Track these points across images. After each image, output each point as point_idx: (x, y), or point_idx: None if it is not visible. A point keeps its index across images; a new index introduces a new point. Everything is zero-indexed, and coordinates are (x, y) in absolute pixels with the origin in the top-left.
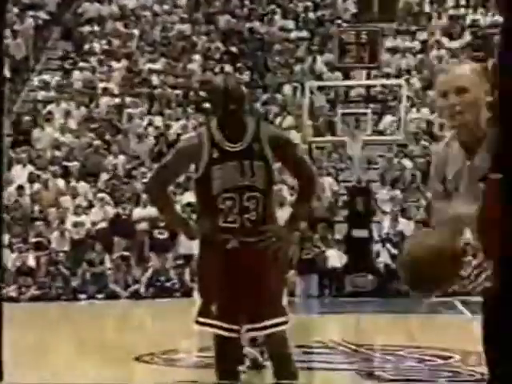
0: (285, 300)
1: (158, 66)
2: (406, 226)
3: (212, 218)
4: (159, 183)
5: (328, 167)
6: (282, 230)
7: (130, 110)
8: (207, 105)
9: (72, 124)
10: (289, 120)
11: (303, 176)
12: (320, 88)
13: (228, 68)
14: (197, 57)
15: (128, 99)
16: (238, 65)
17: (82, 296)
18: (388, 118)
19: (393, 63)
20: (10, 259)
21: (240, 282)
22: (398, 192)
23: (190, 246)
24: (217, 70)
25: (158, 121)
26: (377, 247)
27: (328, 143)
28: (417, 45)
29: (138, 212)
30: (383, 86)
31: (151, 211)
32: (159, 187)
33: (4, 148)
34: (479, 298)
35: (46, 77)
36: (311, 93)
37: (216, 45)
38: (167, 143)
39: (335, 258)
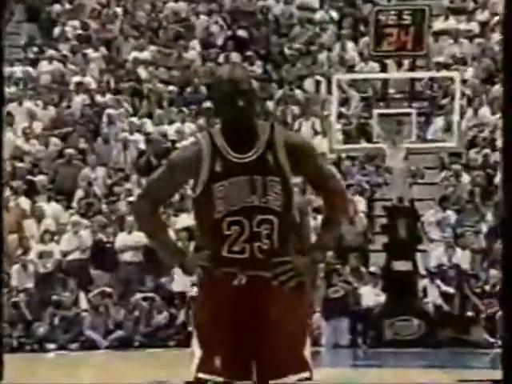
0: (307, 350)
1: (145, 54)
2: (461, 256)
3: (214, 247)
4: (149, 202)
5: (361, 182)
6: (302, 262)
7: (110, 111)
8: (208, 104)
9: (38, 128)
10: (311, 123)
11: (330, 194)
12: (351, 83)
13: (235, 57)
14: (195, 43)
15: (108, 97)
16: (248, 53)
17: (51, 346)
18: (438, 121)
19: (444, 50)
20: None
21: (250, 328)
22: (450, 213)
23: (186, 283)
24: (220, 59)
25: (147, 124)
26: (423, 283)
27: (361, 152)
28: (474, 27)
29: (122, 238)
30: (431, 79)
31: (138, 237)
32: (149, 207)
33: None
34: None
35: (5, 69)
36: (340, 89)
37: (219, 28)
38: (158, 153)
39: (370, 297)
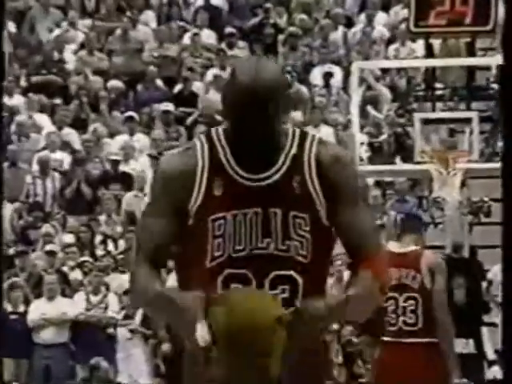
0: None
1: (72, 33)
2: None
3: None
4: (149, 263)
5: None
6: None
7: (21, 119)
8: (170, 106)
9: None
10: (321, 133)
11: (364, 257)
12: (381, 74)
13: (207, 36)
14: (149, 15)
15: (17, 98)
16: (227, 30)
17: None
18: None
19: None
20: None
21: None
22: None
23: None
24: (186, 40)
25: (75, 138)
26: (493, 372)
27: (397, 176)
28: None
29: (38, 308)
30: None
31: (65, 305)
32: (155, 274)
33: None
34: None
35: None
36: (364, 82)
37: None
38: (93, 180)
39: None
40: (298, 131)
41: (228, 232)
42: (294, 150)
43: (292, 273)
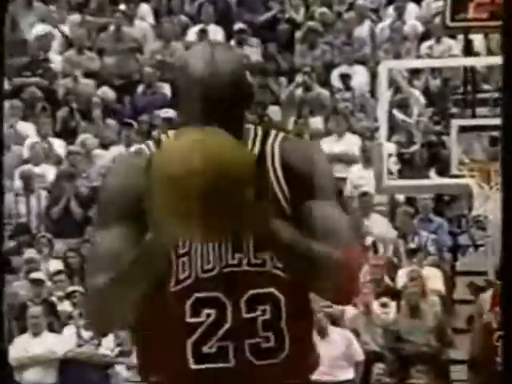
0: None
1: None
2: None
3: (168, 349)
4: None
5: (431, 243)
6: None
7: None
8: (170, 113)
9: None
10: (344, 142)
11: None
12: (412, 74)
13: (214, 32)
14: (145, 9)
15: None
16: (236, 26)
17: None
18: None
19: None
20: None
21: None
22: None
23: None
24: (190, 37)
25: (63, 149)
26: None
27: (431, 192)
28: None
29: (22, 345)
30: None
31: (53, 342)
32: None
33: None
34: None
35: None
36: (393, 84)
37: None
38: (83, 197)
39: None
40: (259, 129)
41: (194, 250)
42: (256, 150)
43: (272, 290)
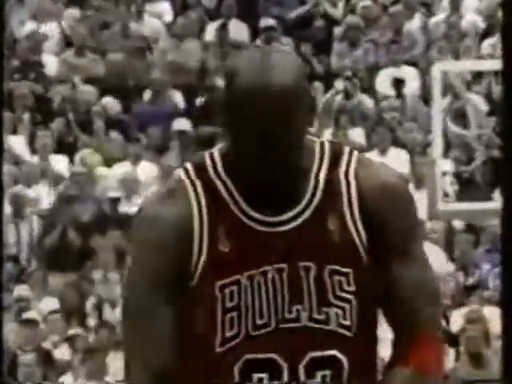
0: None
1: (54, 27)
2: None
3: None
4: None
5: (496, 280)
6: None
7: None
8: (185, 125)
9: None
10: (390, 158)
11: (412, 323)
12: (472, 79)
13: (237, 28)
14: (159, 3)
15: None
16: (264, 22)
17: None
18: None
19: None
20: None
21: None
22: None
23: None
24: (209, 35)
25: (61, 167)
26: None
27: (495, 218)
28: None
29: None
30: None
31: None
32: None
33: None
34: None
35: None
36: (449, 91)
37: None
38: (81, 224)
39: None
40: (327, 145)
41: (244, 302)
42: (324, 174)
43: (335, 352)
